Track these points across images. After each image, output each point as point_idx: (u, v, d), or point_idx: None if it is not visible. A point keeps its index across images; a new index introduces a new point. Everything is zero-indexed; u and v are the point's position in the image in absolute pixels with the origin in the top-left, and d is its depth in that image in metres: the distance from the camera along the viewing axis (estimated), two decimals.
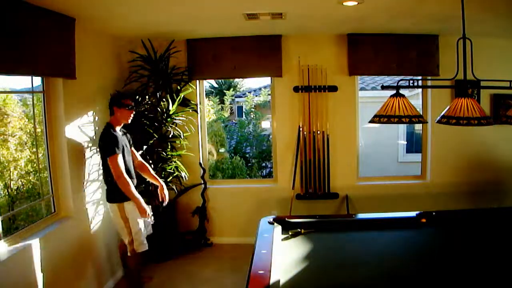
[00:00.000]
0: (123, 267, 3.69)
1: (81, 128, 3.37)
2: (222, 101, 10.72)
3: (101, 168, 3.35)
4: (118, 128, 3.29)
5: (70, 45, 3.09)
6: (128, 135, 3.49)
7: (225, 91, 11.21)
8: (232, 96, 11.01)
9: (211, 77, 5.64)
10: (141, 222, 3.28)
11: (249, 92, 10.87)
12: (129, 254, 3.30)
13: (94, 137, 3.53)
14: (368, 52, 4.36)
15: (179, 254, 4.43)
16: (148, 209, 3.25)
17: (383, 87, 2.43)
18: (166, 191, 3.59)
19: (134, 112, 3.36)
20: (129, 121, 3.33)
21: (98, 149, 3.34)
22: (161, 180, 3.63)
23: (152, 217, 3.39)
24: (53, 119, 3.11)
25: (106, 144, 3.16)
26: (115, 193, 3.21)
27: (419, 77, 4.53)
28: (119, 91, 3.32)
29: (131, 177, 3.26)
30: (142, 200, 3.21)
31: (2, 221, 2.56)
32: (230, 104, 10.95)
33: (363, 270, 2.19)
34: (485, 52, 4.08)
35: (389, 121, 2.22)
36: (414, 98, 5.61)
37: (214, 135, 7.99)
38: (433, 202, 4.50)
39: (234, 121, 10.76)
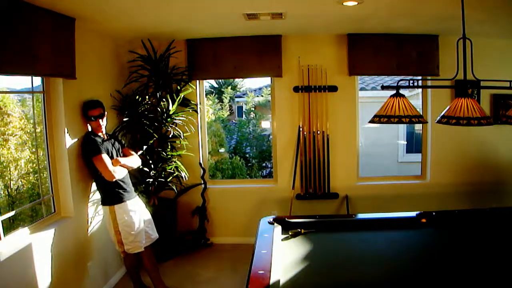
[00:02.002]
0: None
1: (81, 128, 3.36)
2: (220, 100, 10.65)
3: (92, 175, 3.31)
4: (100, 134, 3.28)
5: (70, 45, 3.09)
6: (116, 141, 3.43)
7: (223, 89, 11.14)
8: (230, 94, 10.95)
9: (211, 77, 5.64)
10: (133, 226, 3.25)
11: (250, 92, 10.84)
12: (122, 255, 3.39)
13: None
14: (368, 52, 4.36)
15: (179, 254, 4.43)
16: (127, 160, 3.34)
17: (383, 87, 2.42)
18: (129, 160, 3.39)
19: (102, 119, 3.26)
20: (102, 128, 3.27)
21: (83, 159, 3.25)
22: (135, 155, 3.52)
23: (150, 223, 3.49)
24: (53, 119, 3.11)
25: (88, 147, 3.16)
26: (106, 195, 3.26)
27: (419, 77, 4.53)
28: (85, 102, 3.31)
29: (124, 183, 3.27)
30: (129, 160, 3.37)
31: (2, 221, 2.56)
32: (229, 103, 10.90)
33: (363, 270, 2.19)
34: (485, 52, 4.08)
35: (389, 121, 2.22)
36: (414, 98, 5.60)
37: (214, 135, 7.98)
38: (433, 202, 4.50)
39: (234, 121, 10.73)
